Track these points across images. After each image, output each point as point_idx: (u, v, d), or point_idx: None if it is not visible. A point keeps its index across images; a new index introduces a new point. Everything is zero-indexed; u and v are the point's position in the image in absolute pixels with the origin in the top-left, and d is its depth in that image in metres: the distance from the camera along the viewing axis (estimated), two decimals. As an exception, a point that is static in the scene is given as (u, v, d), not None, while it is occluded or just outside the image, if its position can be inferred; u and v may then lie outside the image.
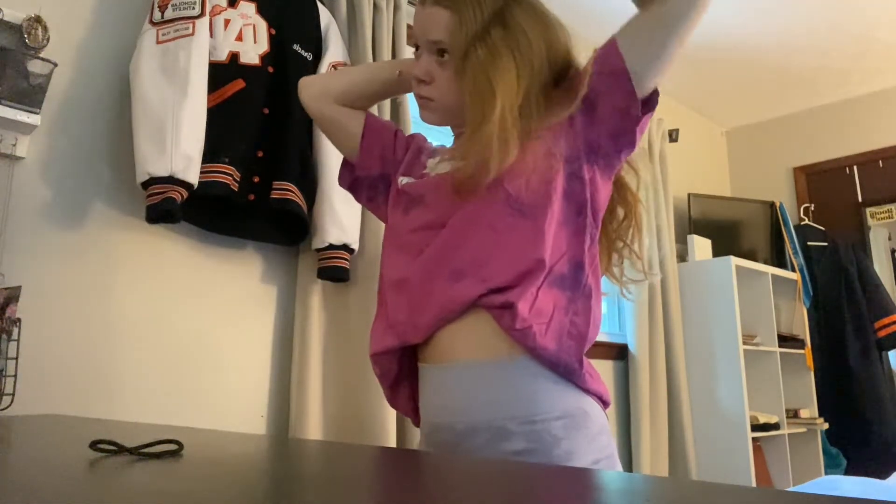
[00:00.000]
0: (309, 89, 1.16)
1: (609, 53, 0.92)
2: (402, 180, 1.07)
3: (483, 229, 0.93)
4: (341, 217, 1.80)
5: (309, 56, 1.86)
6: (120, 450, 0.60)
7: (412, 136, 1.19)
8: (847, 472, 3.29)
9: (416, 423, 1.05)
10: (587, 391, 0.92)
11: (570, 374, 0.90)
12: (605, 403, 0.96)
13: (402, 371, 1.03)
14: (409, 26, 2.29)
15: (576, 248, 0.95)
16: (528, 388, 0.89)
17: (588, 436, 0.89)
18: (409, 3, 2.31)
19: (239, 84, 1.69)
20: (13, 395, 1.24)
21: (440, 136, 1.25)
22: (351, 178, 1.18)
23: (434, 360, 0.96)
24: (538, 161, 0.93)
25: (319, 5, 1.94)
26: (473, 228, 0.93)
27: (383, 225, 1.14)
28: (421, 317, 0.95)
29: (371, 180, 1.15)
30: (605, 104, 0.93)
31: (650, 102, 0.93)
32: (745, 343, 3.06)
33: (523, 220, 0.92)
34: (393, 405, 1.08)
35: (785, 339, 3.31)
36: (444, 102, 1.02)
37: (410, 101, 2.19)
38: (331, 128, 1.18)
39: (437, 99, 1.01)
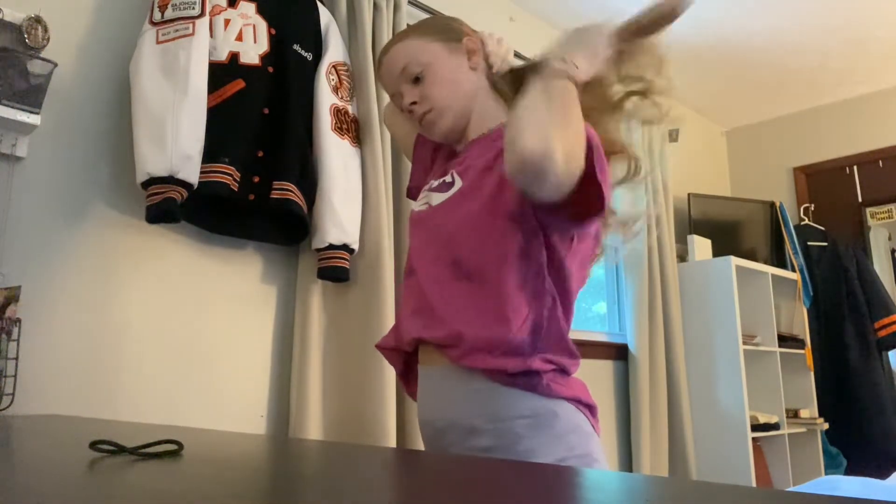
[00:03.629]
0: (387, 104, 1.30)
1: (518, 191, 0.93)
2: (415, 206, 1.15)
3: (441, 284, 0.98)
4: (341, 217, 1.80)
5: (309, 56, 1.86)
6: (120, 450, 0.60)
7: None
8: (847, 472, 3.29)
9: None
10: (557, 398, 0.94)
11: (531, 388, 0.93)
12: (587, 406, 0.97)
13: (405, 367, 1.11)
14: (408, 26, 2.29)
15: (535, 311, 0.94)
16: (497, 390, 0.94)
17: (553, 435, 0.92)
18: (410, 3, 2.31)
19: (239, 84, 1.69)
20: (13, 395, 1.24)
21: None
22: (407, 188, 1.30)
23: (422, 363, 1.05)
24: (483, 217, 0.96)
25: (319, 5, 1.94)
26: (433, 281, 1.00)
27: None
28: (412, 329, 1.03)
29: (419, 191, 1.22)
30: (527, 203, 0.93)
31: (588, 209, 0.90)
32: (745, 343, 3.06)
33: (470, 283, 0.95)
34: (408, 394, 1.15)
35: (785, 339, 3.31)
36: (440, 104, 1.08)
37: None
38: (396, 133, 1.34)
39: (434, 106, 1.08)
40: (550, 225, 0.95)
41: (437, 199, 1.05)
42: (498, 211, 0.95)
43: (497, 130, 1.06)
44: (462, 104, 1.09)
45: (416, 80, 1.08)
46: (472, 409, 0.95)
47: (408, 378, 1.13)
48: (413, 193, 1.28)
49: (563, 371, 0.96)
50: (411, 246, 1.11)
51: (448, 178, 1.06)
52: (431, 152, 1.24)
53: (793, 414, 3.31)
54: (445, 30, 1.13)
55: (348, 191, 1.85)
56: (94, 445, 0.60)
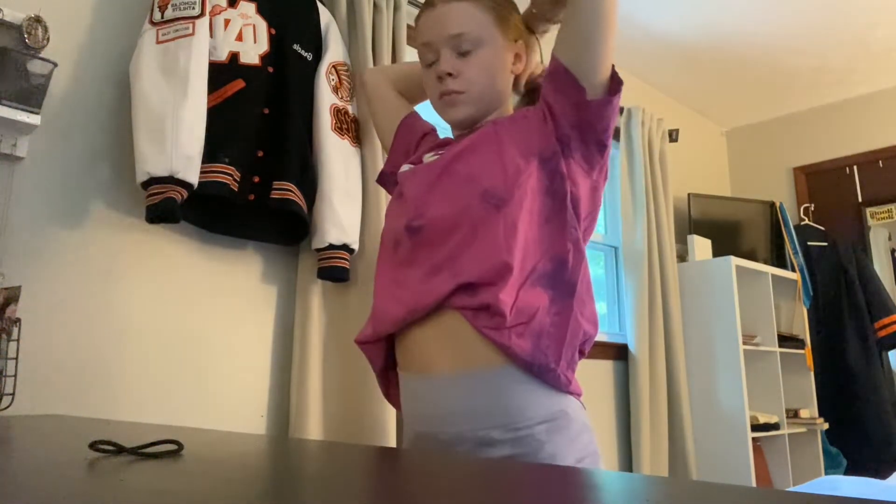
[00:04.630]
0: (371, 69, 1.29)
1: (550, 62, 0.98)
2: (403, 167, 1.11)
3: (461, 225, 0.94)
4: (341, 217, 1.80)
5: (309, 56, 1.86)
6: (120, 450, 0.60)
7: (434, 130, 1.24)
8: (847, 472, 3.29)
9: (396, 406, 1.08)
10: (566, 392, 0.93)
11: (544, 374, 0.90)
12: (582, 404, 0.97)
13: (387, 362, 1.05)
14: (409, 26, 2.29)
15: (559, 244, 0.95)
16: (510, 396, 0.90)
17: (569, 436, 0.91)
18: (410, 3, 2.31)
19: (239, 84, 1.69)
20: (13, 395, 1.24)
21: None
22: (379, 173, 1.26)
23: (413, 370, 0.97)
24: (514, 158, 0.96)
25: (319, 5, 1.94)
26: (452, 224, 0.95)
27: (383, 224, 1.15)
28: (394, 308, 0.97)
29: (395, 176, 1.17)
30: (557, 102, 0.97)
31: (610, 88, 0.96)
32: (745, 343, 3.06)
33: (497, 214, 0.92)
34: (385, 395, 1.09)
35: (785, 339, 3.31)
36: (474, 91, 1.04)
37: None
38: (378, 108, 1.28)
39: (467, 90, 1.03)
40: (575, 140, 0.97)
41: (450, 151, 1.03)
42: (523, 151, 0.97)
43: (496, 119, 1.07)
44: (490, 100, 1.07)
45: (463, 53, 1.03)
46: (487, 419, 0.90)
47: (388, 377, 1.06)
48: (385, 179, 1.23)
49: (580, 346, 0.95)
50: (405, 201, 1.02)
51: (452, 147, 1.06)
52: (419, 138, 1.21)
53: (793, 414, 3.31)
54: (511, 21, 1.08)
55: (348, 191, 1.85)
56: (93, 445, 0.60)
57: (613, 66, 0.96)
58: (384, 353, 1.04)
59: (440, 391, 0.94)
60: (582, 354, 0.97)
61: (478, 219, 0.93)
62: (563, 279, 0.94)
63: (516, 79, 1.11)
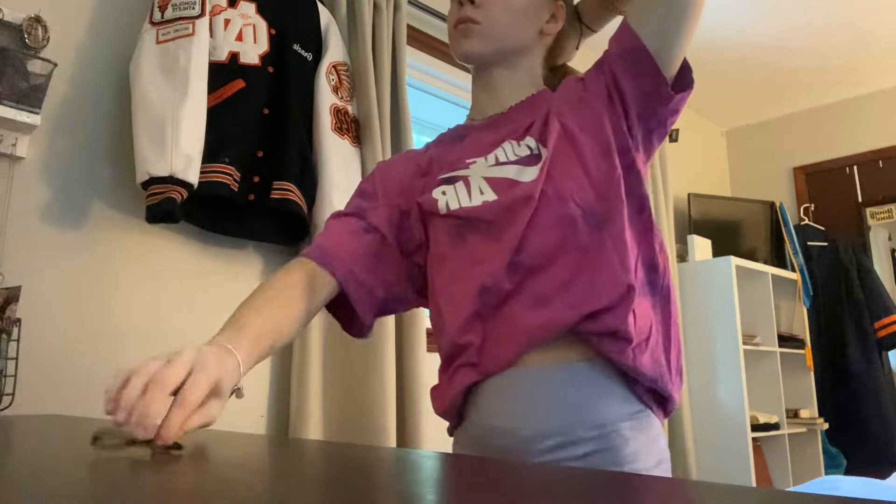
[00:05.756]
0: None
1: (622, 35, 0.87)
2: (439, 202, 0.93)
3: (567, 253, 0.84)
4: (341, 217, 1.80)
5: (309, 56, 1.86)
6: (119, 444, 0.60)
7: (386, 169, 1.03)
8: (847, 472, 3.29)
9: (454, 425, 0.96)
10: (664, 398, 0.88)
11: (664, 387, 0.86)
12: (665, 412, 0.90)
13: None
14: (409, 26, 2.29)
15: (646, 248, 0.88)
16: (599, 391, 0.84)
17: (650, 437, 0.86)
18: (410, 3, 2.31)
19: (239, 84, 1.69)
20: (13, 395, 1.24)
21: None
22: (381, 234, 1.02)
23: (525, 364, 0.88)
24: (596, 159, 0.87)
25: (319, 5, 1.94)
26: (555, 254, 0.85)
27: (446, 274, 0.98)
28: (503, 347, 0.86)
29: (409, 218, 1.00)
30: (630, 87, 0.87)
31: (683, 80, 0.87)
32: (745, 343, 3.06)
33: (600, 234, 0.84)
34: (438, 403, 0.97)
35: (785, 339, 3.31)
36: (493, 27, 0.93)
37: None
38: None
39: (486, 22, 0.93)
40: (641, 131, 0.88)
41: (526, 172, 0.88)
42: (604, 148, 0.87)
43: (541, 93, 0.97)
44: (508, 45, 0.95)
45: None
46: (573, 412, 0.84)
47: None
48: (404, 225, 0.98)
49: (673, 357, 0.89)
50: (473, 242, 0.89)
51: (519, 150, 0.91)
52: (414, 169, 1.01)
53: (793, 414, 3.31)
54: None
55: (348, 191, 1.85)
56: (95, 440, 0.60)
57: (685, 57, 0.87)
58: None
59: (526, 384, 0.85)
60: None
61: (582, 244, 0.84)
62: (659, 285, 0.89)
63: (549, 48, 1.02)
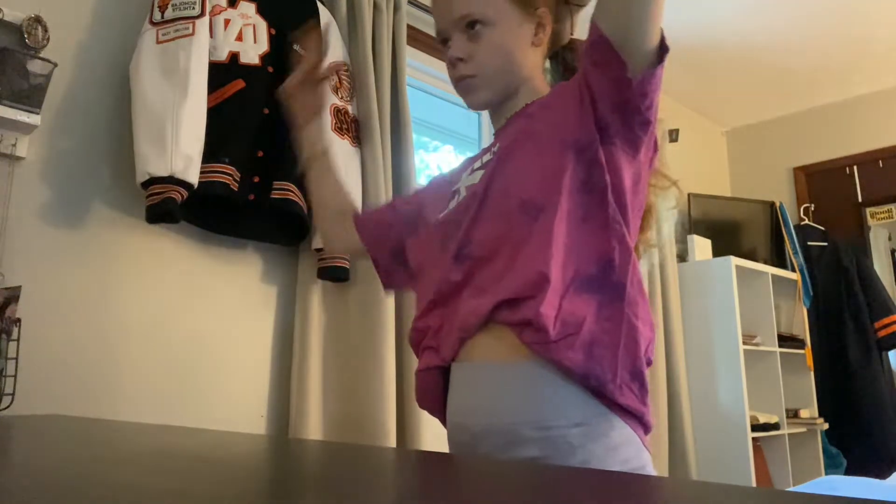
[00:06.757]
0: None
1: (589, 28, 0.87)
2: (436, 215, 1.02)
3: (505, 245, 0.88)
4: (341, 217, 1.80)
5: (309, 56, 1.86)
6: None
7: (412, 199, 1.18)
8: (847, 472, 3.29)
9: (444, 423, 1.00)
10: (619, 405, 0.84)
11: (603, 388, 0.83)
12: (643, 425, 0.88)
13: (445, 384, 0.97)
14: (409, 26, 2.29)
15: (602, 243, 0.87)
16: (547, 391, 0.83)
17: (607, 445, 0.82)
18: (410, 3, 2.31)
19: (239, 84, 1.69)
20: (13, 395, 1.24)
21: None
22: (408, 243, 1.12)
23: (458, 358, 0.92)
24: (552, 155, 0.89)
25: (319, 5, 1.94)
26: (498, 244, 0.88)
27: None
28: (449, 336, 0.91)
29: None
30: (595, 79, 0.87)
31: (653, 63, 0.84)
32: (745, 343, 3.06)
33: (534, 224, 0.86)
34: (421, 404, 1.01)
35: (785, 339, 3.31)
36: (487, 74, 0.98)
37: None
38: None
39: (479, 73, 0.97)
40: (616, 125, 0.87)
41: (477, 174, 0.96)
42: (560, 142, 0.88)
43: (535, 101, 1.00)
44: (509, 80, 0.99)
45: (473, 35, 0.97)
46: (517, 412, 0.83)
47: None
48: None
49: (640, 364, 0.86)
50: (433, 227, 0.98)
51: (485, 158, 0.98)
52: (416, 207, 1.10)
53: (793, 414, 3.31)
54: None
55: (348, 191, 1.85)
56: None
57: (662, 29, 0.84)
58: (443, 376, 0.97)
59: (476, 380, 0.88)
60: (649, 363, 0.89)
61: (520, 236, 0.87)
62: (611, 281, 0.86)
63: (549, 46, 1.04)
